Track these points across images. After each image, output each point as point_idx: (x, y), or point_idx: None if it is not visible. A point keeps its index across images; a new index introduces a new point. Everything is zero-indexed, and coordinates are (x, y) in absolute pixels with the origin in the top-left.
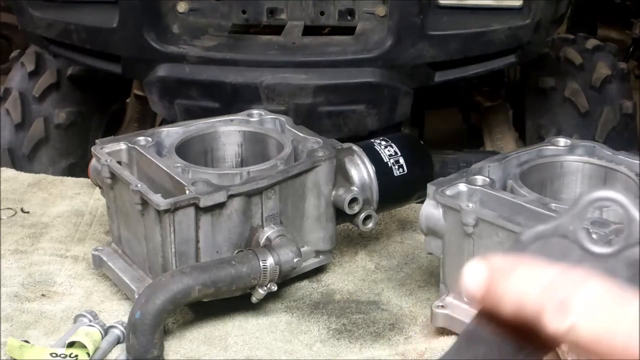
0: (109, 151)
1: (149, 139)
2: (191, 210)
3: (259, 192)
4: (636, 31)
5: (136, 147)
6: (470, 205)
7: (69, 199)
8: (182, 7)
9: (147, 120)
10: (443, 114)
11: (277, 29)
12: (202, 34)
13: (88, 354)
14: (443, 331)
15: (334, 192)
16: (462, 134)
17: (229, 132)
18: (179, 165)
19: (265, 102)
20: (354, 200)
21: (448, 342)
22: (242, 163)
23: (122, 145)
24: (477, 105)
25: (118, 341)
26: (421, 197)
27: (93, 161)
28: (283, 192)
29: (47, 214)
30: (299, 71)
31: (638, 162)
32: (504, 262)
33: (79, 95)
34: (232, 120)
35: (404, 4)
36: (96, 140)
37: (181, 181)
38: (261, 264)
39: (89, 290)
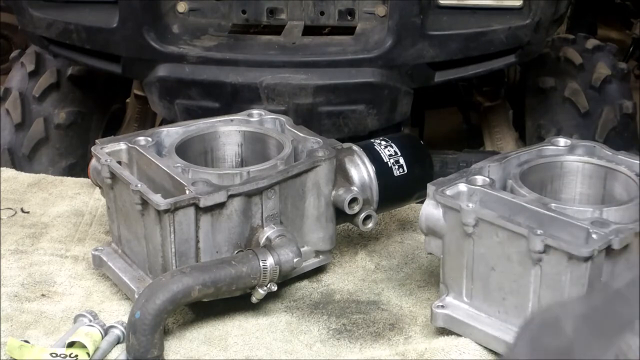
0: (109, 151)
1: (149, 139)
2: (191, 210)
3: (259, 192)
4: (636, 31)
5: (136, 147)
6: (470, 205)
7: (69, 199)
8: (182, 7)
9: (147, 120)
10: (443, 114)
11: (277, 29)
12: (202, 34)
13: (88, 354)
14: (443, 331)
15: (334, 192)
16: (462, 134)
17: (229, 132)
18: (179, 165)
19: (265, 102)
20: (354, 200)
21: (448, 342)
22: (242, 163)
23: (122, 145)
24: (477, 105)
25: (118, 341)
26: (421, 197)
27: (93, 161)
28: (283, 192)
29: (47, 214)
30: (298, 71)
31: (638, 162)
32: None
33: (79, 95)
34: (232, 120)
35: (404, 4)
36: (96, 140)
37: (181, 181)
38: (261, 264)
39: (89, 290)
